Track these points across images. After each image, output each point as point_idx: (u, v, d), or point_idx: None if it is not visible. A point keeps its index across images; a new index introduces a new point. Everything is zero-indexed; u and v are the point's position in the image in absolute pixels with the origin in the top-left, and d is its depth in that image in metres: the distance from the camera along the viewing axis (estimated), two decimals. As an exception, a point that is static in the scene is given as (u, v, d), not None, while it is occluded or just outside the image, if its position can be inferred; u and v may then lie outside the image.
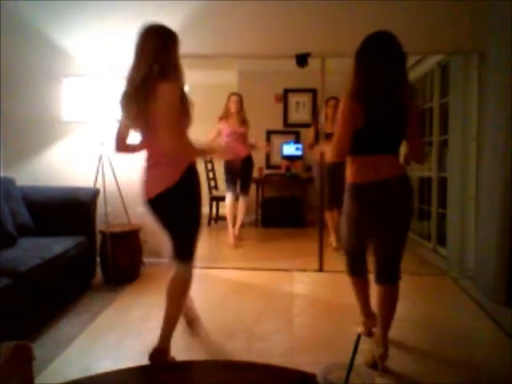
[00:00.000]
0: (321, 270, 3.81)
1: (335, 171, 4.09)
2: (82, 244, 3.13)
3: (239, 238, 4.94)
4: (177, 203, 2.06)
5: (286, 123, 6.26)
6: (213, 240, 5.45)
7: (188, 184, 2.08)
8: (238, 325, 2.70)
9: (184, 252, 2.14)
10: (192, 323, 2.49)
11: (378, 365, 2.13)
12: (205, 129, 4.94)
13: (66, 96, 3.41)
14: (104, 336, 2.53)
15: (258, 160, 5.25)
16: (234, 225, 4.91)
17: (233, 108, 4.70)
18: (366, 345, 2.23)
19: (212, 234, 5.66)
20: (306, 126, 5.61)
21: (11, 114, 3.71)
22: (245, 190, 4.91)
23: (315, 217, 4.75)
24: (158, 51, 1.98)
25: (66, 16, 3.68)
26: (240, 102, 4.74)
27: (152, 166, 2.10)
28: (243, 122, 4.72)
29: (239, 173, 4.84)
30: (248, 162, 4.88)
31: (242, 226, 5.05)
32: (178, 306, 2.15)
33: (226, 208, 4.93)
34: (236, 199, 4.95)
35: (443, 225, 4.22)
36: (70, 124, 3.64)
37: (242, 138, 4.74)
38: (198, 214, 2.16)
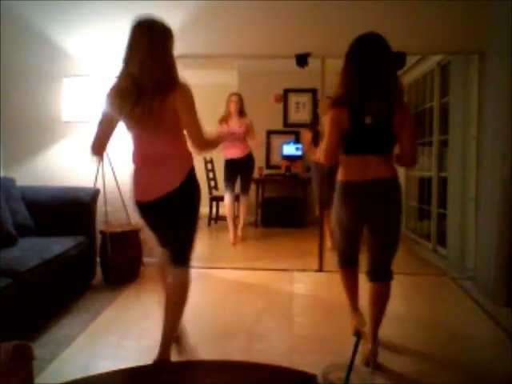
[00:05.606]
0: (321, 269, 3.81)
1: (334, 172, 4.08)
2: (82, 244, 3.13)
3: (242, 239, 4.95)
4: (182, 205, 2.02)
5: (285, 123, 6.26)
6: (213, 240, 5.45)
7: (192, 185, 2.05)
8: (238, 325, 2.70)
9: (183, 255, 2.08)
10: (179, 339, 2.24)
11: (369, 362, 2.15)
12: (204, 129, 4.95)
13: (66, 96, 3.41)
14: (104, 336, 2.53)
15: (258, 160, 5.25)
16: (234, 223, 4.91)
17: (232, 108, 4.70)
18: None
19: (212, 234, 5.67)
20: (306, 126, 5.60)
21: (11, 114, 3.71)
22: (245, 190, 4.91)
23: (315, 217, 4.75)
24: (155, 46, 1.93)
25: (66, 16, 3.68)
26: (240, 101, 4.73)
27: (150, 166, 2.02)
28: (242, 121, 4.72)
29: (240, 171, 4.84)
30: (248, 160, 4.87)
31: (243, 226, 5.05)
32: (178, 313, 2.08)
33: (225, 207, 4.93)
34: (236, 199, 4.95)
35: (443, 225, 4.22)
36: (70, 124, 3.64)
37: (241, 138, 4.72)
38: (197, 216, 2.12)
